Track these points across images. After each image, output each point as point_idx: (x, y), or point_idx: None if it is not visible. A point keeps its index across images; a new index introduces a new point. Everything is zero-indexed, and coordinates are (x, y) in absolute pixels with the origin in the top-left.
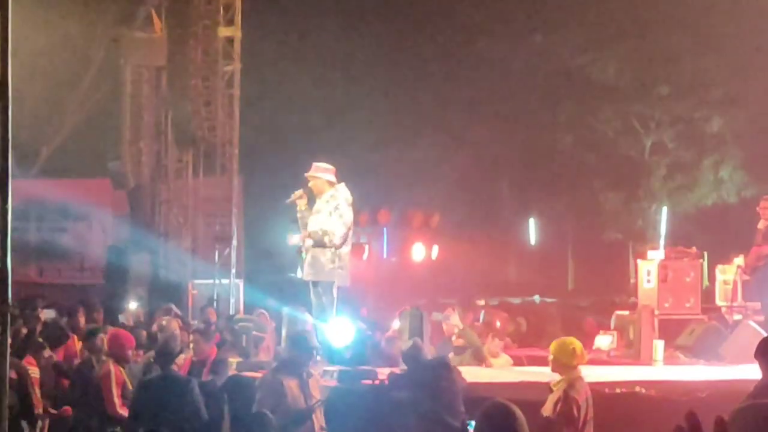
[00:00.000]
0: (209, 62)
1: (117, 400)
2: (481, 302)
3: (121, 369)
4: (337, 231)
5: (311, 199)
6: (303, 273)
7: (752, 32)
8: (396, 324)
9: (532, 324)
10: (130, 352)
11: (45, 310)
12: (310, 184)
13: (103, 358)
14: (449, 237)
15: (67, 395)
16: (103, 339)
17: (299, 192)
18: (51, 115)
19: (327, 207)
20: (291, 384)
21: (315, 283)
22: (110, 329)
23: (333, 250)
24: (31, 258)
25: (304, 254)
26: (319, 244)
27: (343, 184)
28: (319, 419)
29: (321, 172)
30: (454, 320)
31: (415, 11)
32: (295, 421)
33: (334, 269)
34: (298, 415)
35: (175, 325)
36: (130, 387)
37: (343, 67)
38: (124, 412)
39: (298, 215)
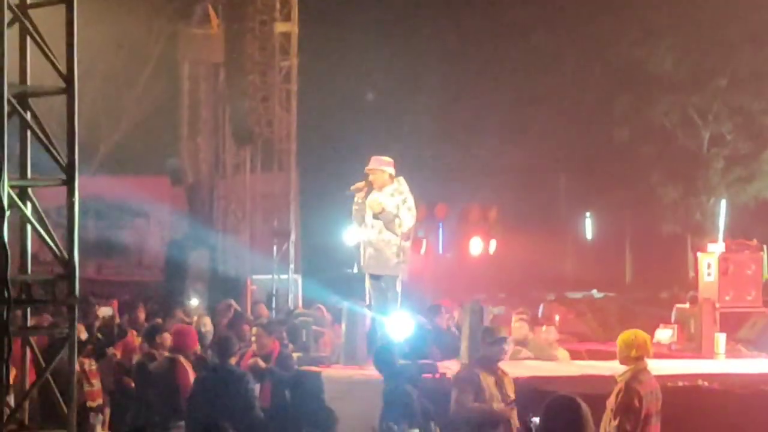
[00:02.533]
0: (266, 58)
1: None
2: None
3: (190, 364)
4: (407, 221)
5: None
6: (364, 265)
7: None
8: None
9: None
10: (197, 347)
11: (102, 308)
12: (370, 178)
13: (169, 354)
14: (507, 231)
15: (130, 391)
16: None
17: (362, 183)
18: (109, 112)
19: (392, 201)
20: (489, 381)
21: (377, 277)
22: (174, 325)
23: (398, 244)
24: (90, 255)
25: (362, 248)
26: (388, 224)
27: (402, 178)
28: (515, 420)
29: (383, 165)
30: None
31: (473, 6)
32: (492, 421)
33: (399, 263)
34: (497, 414)
35: (207, 322)
36: None
37: (400, 62)
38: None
39: (355, 207)
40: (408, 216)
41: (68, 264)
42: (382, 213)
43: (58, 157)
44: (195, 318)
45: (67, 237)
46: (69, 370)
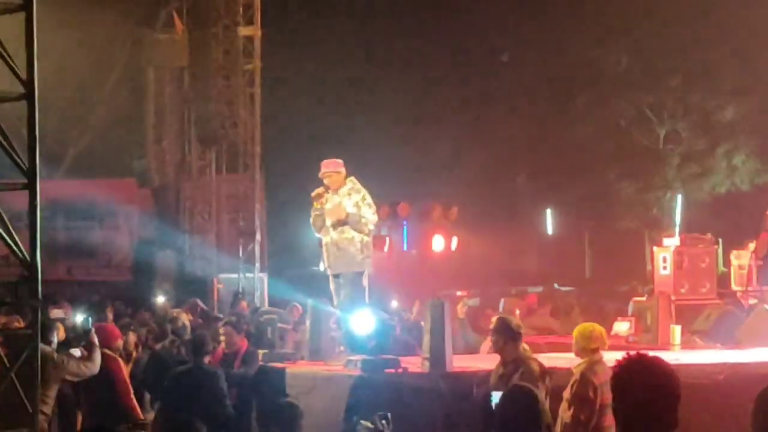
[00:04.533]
0: (230, 61)
1: (130, 389)
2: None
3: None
4: (371, 218)
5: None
6: (330, 266)
7: (762, 22)
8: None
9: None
10: (118, 342)
11: (54, 310)
12: (326, 182)
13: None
14: (468, 228)
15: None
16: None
17: (321, 189)
18: (76, 117)
19: (350, 200)
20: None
21: (338, 275)
22: (94, 324)
23: (362, 240)
24: (60, 256)
25: (325, 250)
26: (355, 225)
27: (353, 177)
28: None
29: (338, 167)
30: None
31: (434, 11)
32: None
33: (364, 259)
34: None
35: (184, 317)
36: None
37: (364, 65)
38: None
39: (316, 214)
40: (370, 213)
41: (31, 266)
42: (348, 217)
43: (20, 162)
44: (174, 313)
45: (30, 240)
46: (32, 370)
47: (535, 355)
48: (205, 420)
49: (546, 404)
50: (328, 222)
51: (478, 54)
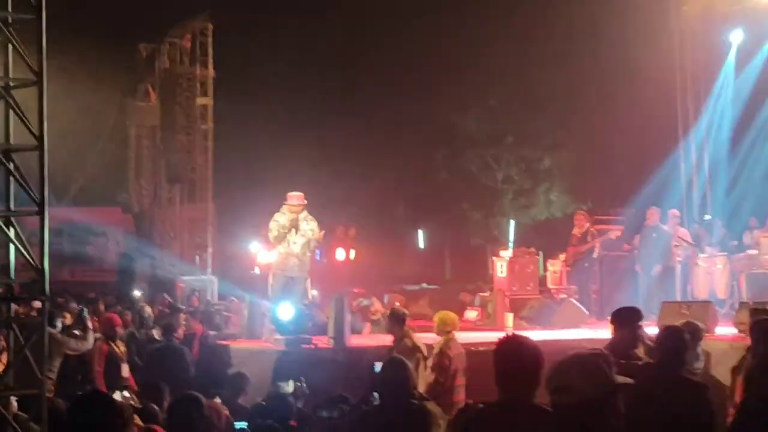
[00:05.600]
0: (190, 122)
1: (98, 368)
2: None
3: (110, 344)
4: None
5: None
6: (288, 271)
7: (573, 94)
8: None
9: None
10: (117, 329)
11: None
12: (294, 209)
13: (98, 335)
14: (362, 243)
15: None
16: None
17: (293, 216)
18: (77, 162)
19: (308, 225)
20: None
21: (293, 277)
22: (103, 315)
23: (309, 254)
24: (65, 264)
25: (286, 259)
26: (311, 246)
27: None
28: None
29: (303, 200)
30: (376, 306)
31: (333, 88)
32: None
33: (309, 266)
34: None
35: (148, 309)
36: (120, 353)
37: (287, 126)
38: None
39: (283, 231)
40: (317, 238)
41: (41, 271)
42: (310, 238)
43: (33, 195)
44: (141, 305)
45: (39, 251)
46: (40, 347)
47: (417, 335)
48: (174, 382)
49: (413, 371)
50: (290, 237)
51: (369, 120)
